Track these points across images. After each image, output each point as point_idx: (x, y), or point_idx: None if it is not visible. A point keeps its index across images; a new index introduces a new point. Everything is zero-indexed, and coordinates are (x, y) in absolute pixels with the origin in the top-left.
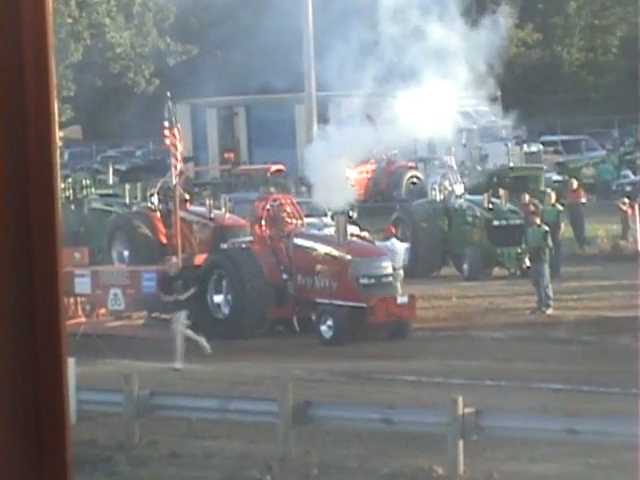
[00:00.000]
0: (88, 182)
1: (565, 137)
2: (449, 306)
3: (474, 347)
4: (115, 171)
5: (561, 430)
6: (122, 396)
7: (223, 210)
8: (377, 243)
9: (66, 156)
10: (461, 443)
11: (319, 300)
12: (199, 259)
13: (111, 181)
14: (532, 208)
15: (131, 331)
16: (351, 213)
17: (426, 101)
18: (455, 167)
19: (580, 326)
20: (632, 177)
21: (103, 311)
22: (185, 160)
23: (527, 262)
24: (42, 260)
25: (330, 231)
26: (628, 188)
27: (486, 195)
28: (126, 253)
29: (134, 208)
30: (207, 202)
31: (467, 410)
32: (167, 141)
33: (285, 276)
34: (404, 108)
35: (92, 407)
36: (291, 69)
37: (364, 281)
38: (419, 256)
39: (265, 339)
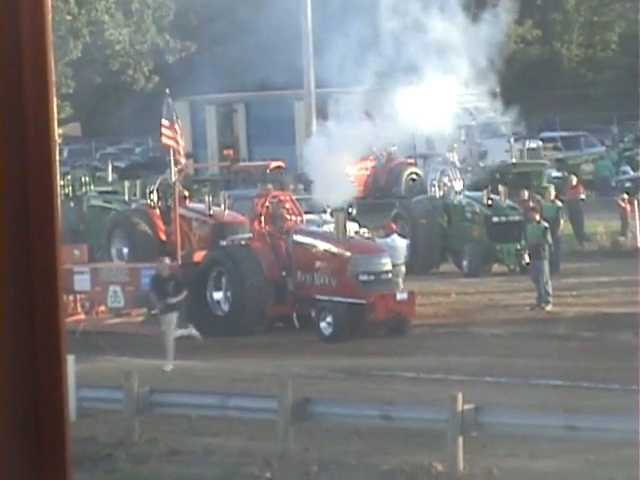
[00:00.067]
0: (87, 179)
1: (564, 133)
2: (448, 302)
3: (473, 343)
4: (114, 168)
5: (561, 426)
6: (122, 393)
7: (222, 207)
8: (378, 240)
9: (65, 153)
10: (460, 439)
11: (319, 297)
12: (198, 256)
13: (110, 178)
14: (531, 204)
15: (131, 328)
16: (350, 210)
17: (425, 97)
18: (458, 163)
19: (579, 322)
20: (631, 173)
21: (102, 308)
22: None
23: (526, 258)
24: (41, 257)
25: (329, 228)
26: (627, 184)
27: (485, 191)
28: (125, 250)
29: (133, 205)
30: (206, 199)
31: (467, 406)
32: (164, 139)
33: (284, 273)
34: (403, 104)
35: (92, 404)
36: (290, 65)
37: (363, 278)
38: (418, 252)
39: (264, 336)
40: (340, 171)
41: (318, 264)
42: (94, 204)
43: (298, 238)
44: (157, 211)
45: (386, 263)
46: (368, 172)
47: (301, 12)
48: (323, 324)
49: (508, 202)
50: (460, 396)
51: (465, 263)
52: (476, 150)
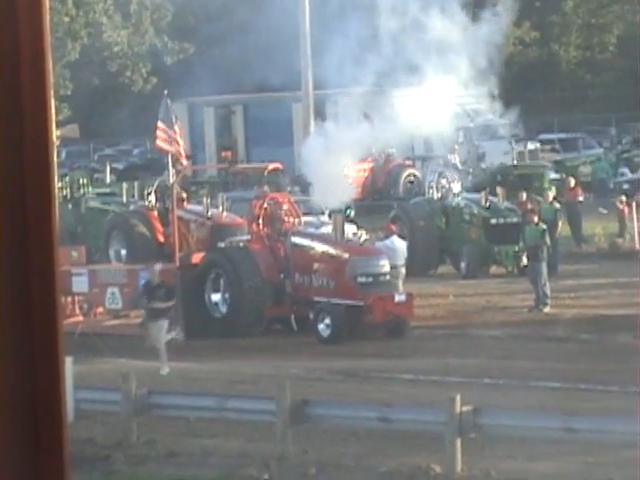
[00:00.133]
0: (85, 181)
1: (562, 135)
2: (446, 304)
3: (472, 345)
4: (112, 170)
5: (559, 428)
6: (120, 395)
7: (220, 209)
8: (377, 244)
9: (63, 155)
10: (459, 441)
11: (317, 299)
12: (196, 258)
13: (108, 180)
14: (529, 206)
15: (129, 330)
16: (348, 211)
17: (424, 99)
18: (459, 165)
19: (577, 324)
20: (629, 175)
21: (101, 310)
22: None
23: (524, 260)
24: (39, 259)
25: (327, 230)
26: (625, 186)
27: (483, 193)
28: (123, 252)
29: (131, 207)
30: (204, 201)
31: (465, 408)
32: (158, 142)
33: (282, 275)
34: (402, 106)
35: (90, 406)
36: (288, 67)
37: (362, 279)
38: (416, 254)
39: (263, 338)
40: (338, 173)
41: (316, 266)
42: (92, 206)
43: (296, 240)
44: (155, 213)
45: (384, 265)
46: (366, 174)
47: (299, 13)
48: (321, 326)
49: (506, 204)
50: (458, 398)
51: (463, 265)
52: (474, 152)
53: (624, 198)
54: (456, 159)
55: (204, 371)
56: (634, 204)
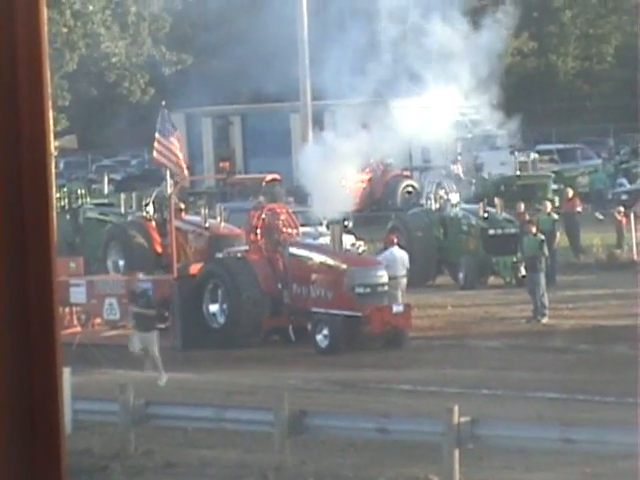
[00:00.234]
0: (83, 191)
1: (561, 146)
2: (444, 315)
3: (470, 356)
4: (110, 180)
5: (557, 439)
6: (118, 405)
7: (218, 219)
8: (379, 256)
9: (61, 165)
10: (457, 452)
11: (315, 309)
12: (194, 268)
13: (106, 190)
14: (527, 217)
15: (127, 341)
16: (346, 222)
17: (422, 109)
18: (462, 176)
19: (576, 335)
20: (628, 186)
21: (99, 320)
22: None
23: (523, 271)
24: (37, 270)
25: (325, 240)
26: (624, 197)
27: (482, 204)
28: (121, 262)
29: (129, 217)
30: (202, 211)
31: (463, 419)
32: (155, 154)
33: (280, 285)
34: (400, 116)
35: (88, 416)
36: (286, 76)
37: (360, 290)
38: (414, 265)
39: (260, 348)
40: (336, 183)
41: (314, 276)
42: (90, 216)
43: (294, 250)
44: (153, 223)
45: (382, 275)
46: (364, 184)
47: (297, 23)
48: (319, 337)
49: (504, 215)
50: (456, 408)
51: (461, 275)
52: (472, 162)
53: (622, 209)
54: (459, 169)
55: (202, 382)
56: (632, 215)
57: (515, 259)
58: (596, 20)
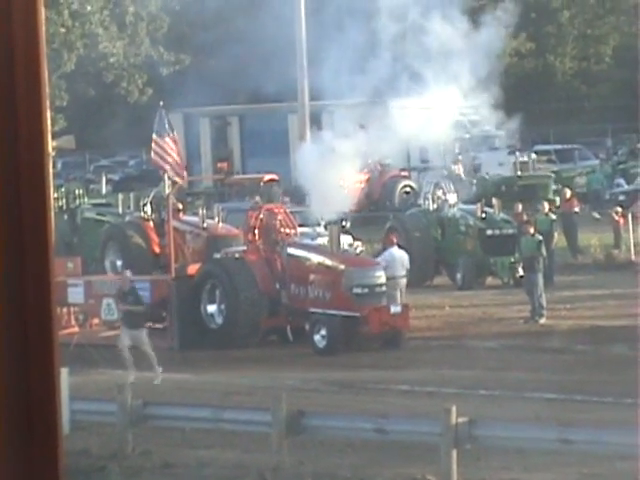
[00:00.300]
0: (81, 192)
1: (558, 146)
2: (442, 315)
3: (467, 356)
4: (108, 181)
5: (554, 439)
6: (115, 406)
7: (216, 220)
8: (379, 258)
9: (59, 166)
10: (454, 452)
11: (312, 310)
12: (192, 269)
13: (104, 191)
14: (525, 217)
15: None
16: (344, 223)
17: (420, 110)
18: (463, 176)
19: (573, 335)
20: (625, 186)
21: (96, 321)
22: None
23: (520, 271)
24: (35, 270)
25: (323, 241)
26: (621, 197)
27: (479, 204)
28: (119, 263)
29: (127, 218)
30: (200, 212)
31: (460, 419)
32: (153, 155)
33: (278, 286)
34: (398, 117)
35: (85, 417)
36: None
37: (357, 291)
38: (412, 265)
39: (258, 349)
40: (334, 183)
41: (312, 277)
42: (88, 217)
43: (292, 251)
44: (151, 224)
45: (380, 276)
46: (362, 185)
47: (295, 23)
48: (317, 337)
49: (502, 215)
50: (454, 409)
51: (459, 276)
52: (470, 163)
53: (620, 209)
54: (460, 170)
55: (200, 382)
56: (630, 215)
57: (513, 259)
58: (594, 21)
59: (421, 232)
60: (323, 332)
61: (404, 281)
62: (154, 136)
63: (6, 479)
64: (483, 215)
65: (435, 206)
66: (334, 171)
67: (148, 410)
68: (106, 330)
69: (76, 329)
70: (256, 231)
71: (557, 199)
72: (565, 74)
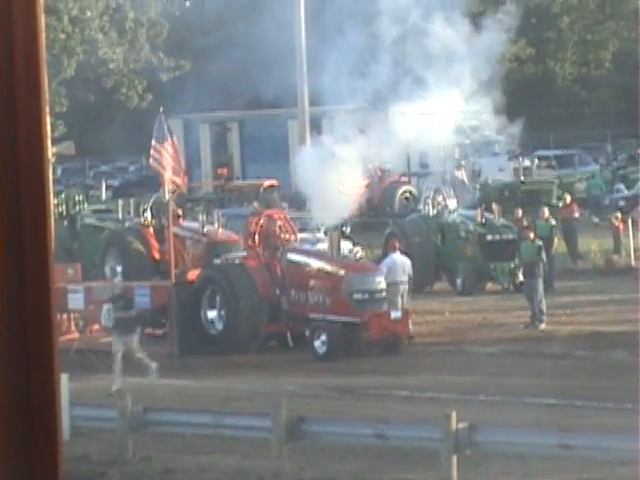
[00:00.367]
0: (81, 198)
1: (558, 152)
2: (442, 321)
3: (467, 362)
4: (108, 187)
5: (555, 445)
6: (115, 412)
7: (216, 225)
8: (381, 264)
9: (59, 172)
10: (455, 458)
11: (313, 315)
12: (192, 275)
13: (104, 197)
14: (525, 223)
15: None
16: (344, 228)
17: (420, 115)
18: (466, 181)
19: (573, 341)
20: (625, 192)
21: (96, 327)
22: None
23: (520, 277)
24: (34, 276)
25: (323, 246)
26: (621, 203)
27: (479, 210)
28: (119, 269)
29: (127, 224)
30: (200, 217)
31: (461, 425)
32: (151, 162)
33: (279, 291)
34: (398, 122)
35: (85, 423)
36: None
37: (358, 296)
38: (412, 271)
39: (258, 354)
40: (334, 189)
41: (312, 283)
42: (88, 223)
43: (292, 256)
44: (151, 230)
45: (380, 282)
46: (362, 190)
47: (295, 28)
48: (317, 343)
49: (502, 220)
50: (454, 415)
51: (459, 281)
52: (470, 168)
53: (619, 214)
54: (463, 175)
55: (200, 388)
56: (630, 220)
57: (513, 265)
58: (594, 26)
59: (421, 238)
60: (323, 338)
61: (405, 287)
62: (153, 142)
63: None
64: (483, 221)
65: (435, 211)
66: (334, 177)
67: (148, 416)
68: (106, 336)
69: (76, 335)
70: (256, 237)
71: (560, 204)
72: (565, 79)
